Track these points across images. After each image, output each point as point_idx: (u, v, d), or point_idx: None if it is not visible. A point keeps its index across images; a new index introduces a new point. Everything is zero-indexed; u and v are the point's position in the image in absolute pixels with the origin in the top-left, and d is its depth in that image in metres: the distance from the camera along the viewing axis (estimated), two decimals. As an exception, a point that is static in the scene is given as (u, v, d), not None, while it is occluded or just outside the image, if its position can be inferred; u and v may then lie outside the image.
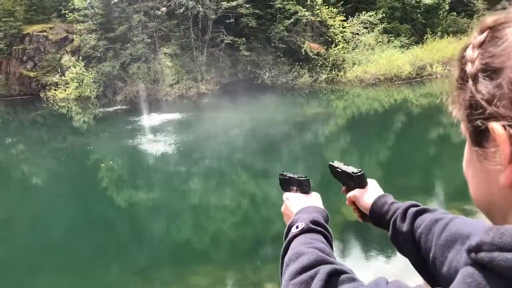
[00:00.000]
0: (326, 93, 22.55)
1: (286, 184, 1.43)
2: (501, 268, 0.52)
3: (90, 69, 24.58)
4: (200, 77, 24.22)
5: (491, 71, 0.58)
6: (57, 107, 23.19)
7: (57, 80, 24.70)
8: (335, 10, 26.08)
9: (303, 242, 1.04)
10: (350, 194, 1.41)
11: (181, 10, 23.89)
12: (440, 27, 26.97)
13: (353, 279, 0.85)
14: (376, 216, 1.32)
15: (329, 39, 25.80)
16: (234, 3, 23.45)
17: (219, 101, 21.57)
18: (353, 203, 1.42)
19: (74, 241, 8.13)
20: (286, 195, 1.40)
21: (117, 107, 21.96)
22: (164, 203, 9.90)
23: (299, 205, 1.30)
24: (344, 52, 24.99)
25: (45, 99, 24.34)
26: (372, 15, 25.91)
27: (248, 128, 16.09)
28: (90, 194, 10.85)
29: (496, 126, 0.56)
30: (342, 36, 25.67)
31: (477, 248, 0.56)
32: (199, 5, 23.70)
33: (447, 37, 25.59)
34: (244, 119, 17.59)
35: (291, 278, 0.91)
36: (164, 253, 7.59)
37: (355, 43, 25.52)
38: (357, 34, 25.79)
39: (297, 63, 24.76)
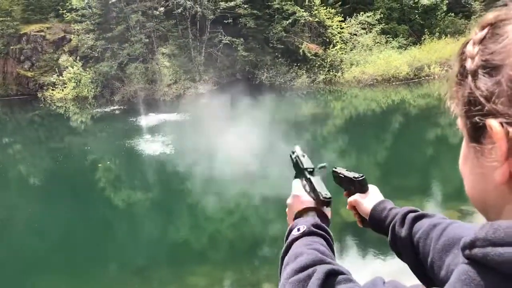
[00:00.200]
0: (324, 94, 22.57)
1: (298, 173, 1.41)
2: (495, 262, 0.52)
3: (87, 69, 24.53)
4: (198, 77, 24.21)
5: (490, 68, 0.58)
6: (55, 107, 23.14)
7: (54, 80, 24.64)
8: (333, 10, 26.10)
9: (304, 244, 1.04)
10: (351, 198, 1.42)
11: (179, 10, 23.87)
12: (438, 28, 27.02)
13: (350, 280, 0.85)
14: (375, 221, 1.32)
15: (327, 40, 25.82)
16: (232, 4, 23.45)
17: (217, 101, 21.55)
18: (354, 208, 1.43)
19: (72, 241, 8.12)
20: (293, 184, 1.38)
21: (115, 107, 21.93)
22: (162, 203, 9.89)
23: (302, 204, 1.28)
24: (342, 53, 25.01)
25: (43, 99, 24.28)
26: (370, 15, 25.94)
27: (246, 129, 16.07)
28: (88, 195, 10.83)
29: (493, 123, 0.56)
30: (340, 37, 25.69)
31: (471, 245, 0.57)
32: (197, 5, 23.69)
33: (444, 38, 25.64)
34: (242, 119, 17.58)
35: (288, 277, 0.91)
36: (162, 253, 7.59)
37: (353, 43, 25.54)
38: (355, 34, 25.82)
39: (295, 64, 24.77)
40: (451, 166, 10.91)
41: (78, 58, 25.00)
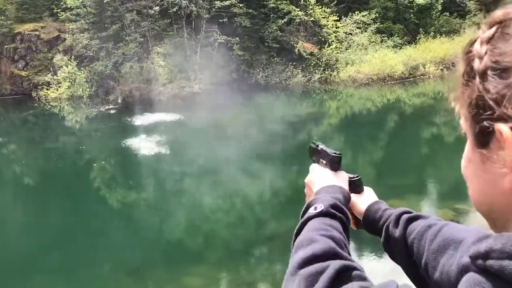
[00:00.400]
0: (319, 93, 22.60)
1: (316, 155, 1.37)
2: None
3: (82, 68, 24.43)
4: (194, 77, 24.16)
5: (501, 70, 0.55)
6: (49, 106, 23.04)
7: (49, 80, 24.51)
8: (328, 10, 26.10)
9: (318, 228, 1.00)
10: None
11: (174, 9, 23.82)
12: (433, 27, 27.11)
13: (363, 278, 0.83)
14: (369, 222, 1.30)
15: (323, 39, 25.84)
16: (227, 3, 23.41)
17: (212, 100, 21.52)
18: (348, 209, 1.41)
19: (67, 242, 8.08)
20: (313, 166, 1.34)
21: (110, 107, 21.86)
22: (157, 203, 9.87)
23: (324, 182, 1.24)
24: (337, 52, 25.03)
25: (37, 99, 24.15)
26: (365, 15, 25.98)
27: (242, 128, 16.07)
28: (83, 194, 10.79)
29: (503, 128, 0.54)
30: (335, 36, 25.71)
31: (486, 255, 0.54)
32: (192, 4, 23.64)
33: (439, 37, 25.74)
34: (238, 118, 17.58)
35: (300, 266, 0.88)
36: (158, 253, 7.57)
37: (348, 43, 25.57)
38: (350, 34, 25.85)
39: (291, 63, 24.78)
40: (446, 165, 10.95)
41: (72, 57, 24.89)
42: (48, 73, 24.79)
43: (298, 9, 25.07)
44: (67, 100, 23.74)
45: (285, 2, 24.97)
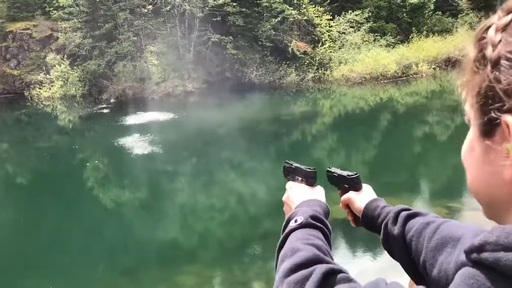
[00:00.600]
0: (313, 92, 22.62)
1: (291, 173, 1.40)
2: (507, 268, 0.50)
3: (75, 67, 24.28)
4: (187, 76, 24.11)
5: None
6: (42, 106, 22.90)
7: (41, 79, 24.35)
8: (321, 9, 26.14)
9: (300, 238, 1.02)
10: (345, 196, 1.41)
11: (167, 8, 23.75)
12: (426, 26, 27.23)
13: (349, 279, 0.84)
14: (368, 219, 1.32)
15: (316, 38, 25.87)
16: (220, 1, 23.36)
17: (206, 99, 21.49)
18: (347, 206, 1.42)
19: (59, 241, 8.05)
20: (290, 184, 1.37)
21: (103, 106, 21.76)
22: (151, 203, 9.84)
23: (302, 197, 1.27)
24: (331, 51, 25.08)
25: (30, 98, 23.98)
26: (359, 14, 26.04)
27: (235, 127, 16.06)
28: (76, 194, 10.74)
29: (511, 120, 0.53)
30: (328, 35, 25.75)
31: (480, 248, 0.54)
32: (185, 3, 23.57)
33: (432, 36, 25.86)
34: (231, 117, 17.56)
35: (285, 275, 0.89)
36: (151, 253, 7.55)
37: (341, 42, 25.62)
38: (344, 33, 25.90)
39: (284, 62, 24.79)
40: (439, 164, 11.02)
41: (65, 56, 24.74)
42: (41, 72, 24.62)
43: (292, 8, 25.08)
44: (60, 99, 23.60)
45: (278, 1, 24.97)
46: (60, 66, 24.05)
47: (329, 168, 1.49)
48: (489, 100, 0.56)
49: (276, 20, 24.80)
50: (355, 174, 1.41)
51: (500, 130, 0.56)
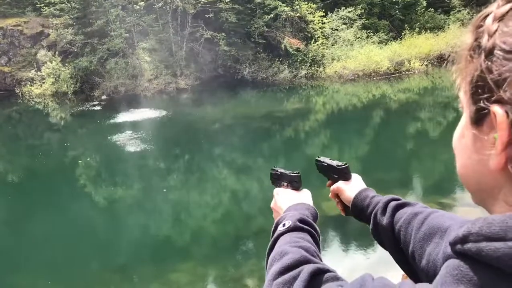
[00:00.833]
0: (305, 89, 22.64)
1: (277, 180, 1.41)
2: (490, 258, 0.51)
3: (67, 64, 24.12)
4: (179, 72, 24.04)
5: (507, 51, 0.53)
6: (33, 103, 22.74)
7: (33, 76, 24.18)
8: (314, 5, 26.14)
9: (288, 241, 1.02)
10: (334, 186, 1.42)
11: (160, 5, 23.64)
12: (418, 23, 27.33)
13: (337, 278, 0.84)
14: (357, 209, 1.32)
15: (309, 35, 25.87)
16: (213, -2, 23.32)
17: (198, 96, 21.45)
18: (337, 195, 1.43)
19: (51, 239, 8.00)
20: (276, 190, 1.38)
21: (95, 103, 21.65)
22: (143, 200, 9.81)
23: (289, 202, 1.28)
24: (324, 48, 25.10)
25: (21, 95, 23.82)
26: (351, 11, 26.08)
27: (228, 124, 16.05)
28: (68, 191, 10.69)
29: (498, 111, 0.53)
30: (321, 32, 25.77)
31: (463, 239, 0.55)
32: (177, 0, 23.49)
33: (424, 33, 25.97)
34: (224, 114, 17.54)
35: (274, 278, 0.90)
36: (144, 250, 7.53)
37: (334, 38, 25.64)
38: (336, 30, 25.92)
39: (277, 59, 24.78)
40: (431, 160, 11.07)
41: (57, 53, 24.56)
42: (32, 69, 24.44)
43: (285, 5, 25.06)
44: (51, 96, 23.45)
45: (271, -3, 24.95)
46: (51, 63, 23.87)
47: (318, 157, 1.50)
48: (479, 90, 0.56)
49: (269, 17, 24.77)
50: (344, 165, 1.42)
51: (488, 120, 0.56)
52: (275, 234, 1.09)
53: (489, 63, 0.55)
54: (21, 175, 12.42)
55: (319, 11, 26.12)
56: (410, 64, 23.23)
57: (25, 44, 25.99)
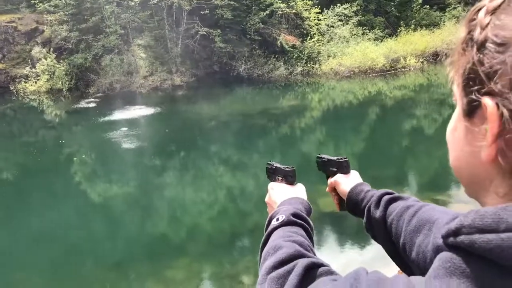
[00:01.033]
0: (301, 86, 22.64)
1: (272, 174, 1.42)
2: (483, 250, 0.51)
3: (61, 61, 24.00)
4: (175, 69, 23.99)
5: (498, 44, 0.54)
6: (28, 100, 22.63)
7: (27, 72, 24.05)
8: (310, 2, 26.14)
9: (282, 235, 1.03)
10: (332, 179, 1.44)
11: (155, 1, 23.54)
12: (414, 20, 27.38)
13: (331, 272, 0.85)
14: (352, 203, 1.33)
15: (305, 32, 25.86)
16: (208, -6, 23.25)
17: (194, 93, 21.41)
18: (334, 189, 1.44)
19: (47, 236, 7.98)
20: (271, 185, 1.39)
21: (90, 100, 21.57)
22: (139, 197, 9.80)
23: (283, 196, 1.29)
24: (319, 45, 25.10)
25: (15, 92, 23.69)
26: (347, 7, 26.08)
27: (224, 121, 16.04)
28: (63, 188, 10.66)
29: (489, 103, 0.54)
30: (317, 29, 25.77)
31: (456, 232, 0.55)
32: (173, -4, 23.42)
33: (420, 30, 26.02)
34: (220, 111, 17.52)
35: (268, 272, 0.90)
36: (139, 247, 7.52)
37: (330, 35, 25.65)
38: (332, 26, 25.93)
39: (273, 56, 24.76)
40: (426, 157, 11.10)
41: (51, 49, 24.45)
42: (26, 66, 24.32)
43: (280, 1, 25.03)
44: (46, 93, 23.35)
45: (267, -6, 24.91)
46: (46, 60, 23.76)
47: (319, 155, 1.53)
48: (470, 82, 0.57)
49: (265, 13, 24.74)
50: (344, 158, 1.44)
51: (480, 112, 0.57)
52: (269, 229, 1.10)
53: (481, 55, 0.55)
54: (16, 172, 12.37)
55: (315, 7, 26.11)
56: (405, 61, 23.26)
57: (20, 41, 25.84)
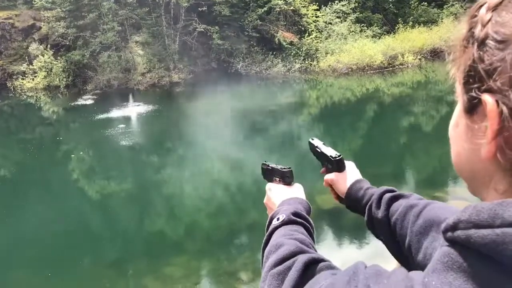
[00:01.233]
0: (299, 83, 22.63)
1: (269, 175, 1.41)
2: (478, 244, 0.51)
3: (59, 57, 23.92)
4: (173, 66, 23.94)
5: (499, 41, 0.54)
6: (25, 96, 22.57)
7: (24, 69, 23.97)
8: (308, -1, 26.12)
9: (283, 234, 1.03)
10: (328, 177, 1.42)
11: (153, -2, 23.51)
12: (411, 17, 27.36)
13: (331, 267, 0.85)
14: (351, 201, 1.33)
15: (302, 28, 25.84)
16: (206, -9, 23.19)
17: (192, 90, 21.38)
18: (330, 185, 1.43)
19: (44, 234, 7.97)
20: (269, 186, 1.39)
21: (88, 97, 21.51)
22: (137, 194, 9.79)
23: (282, 197, 1.29)
24: (317, 42, 25.08)
25: (12, 89, 23.62)
26: (345, 4, 26.04)
27: (222, 118, 16.02)
28: (61, 185, 10.64)
29: (489, 100, 0.54)
30: (315, 26, 25.74)
31: (454, 227, 0.55)
32: (171, -7, 23.35)
33: (418, 27, 26.00)
34: (218, 108, 17.51)
35: (269, 269, 0.91)
36: (138, 244, 7.52)
37: (328, 32, 25.62)
38: (330, 23, 25.90)
39: (271, 52, 24.73)
40: (424, 154, 11.12)
41: (48, 46, 24.35)
42: (24, 63, 24.23)
43: (278, -2, 24.99)
44: (43, 90, 23.28)
45: (264, -10, 24.86)
46: (43, 57, 23.68)
47: (312, 139, 1.50)
48: (471, 79, 0.57)
49: (263, 10, 24.69)
50: (338, 156, 1.41)
51: (480, 109, 0.57)
52: (270, 228, 1.10)
53: (481, 52, 0.56)
54: (13, 169, 12.35)
55: (313, 4, 26.07)
56: (403, 58, 23.26)
57: (17, 37, 25.73)
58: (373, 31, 25.82)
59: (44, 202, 9.49)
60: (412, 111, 15.45)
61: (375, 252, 5.73)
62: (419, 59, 23.54)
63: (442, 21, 26.27)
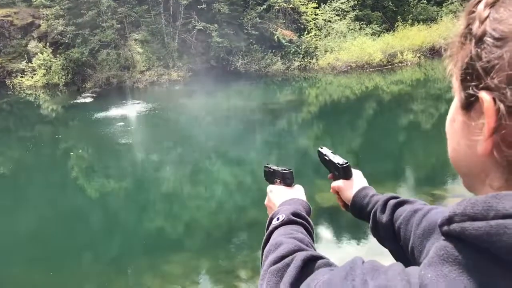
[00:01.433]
0: (298, 81, 22.62)
1: (271, 177, 1.43)
2: (473, 237, 0.52)
3: (58, 55, 23.89)
4: (172, 64, 23.91)
5: (497, 39, 0.54)
6: (24, 94, 22.53)
7: (23, 67, 23.94)
8: (307, -3, 26.09)
9: (283, 233, 1.05)
10: (334, 184, 1.43)
11: (152, -5, 23.46)
12: (411, 15, 27.35)
13: (329, 264, 0.86)
14: (357, 207, 1.34)
15: (302, 26, 25.81)
16: (205, -11, 23.15)
17: (191, 88, 21.36)
18: (337, 192, 1.44)
19: (44, 232, 7.98)
20: (270, 187, 1.40)
21: (87, 95, 21.49)
22: (136, 192, 9.79)
23: (282, 198, 1.30)
24: (317, 40, 25.06)
25: (11, 87, 23.58)
26: (344, 2, 26.02)
27: (221, 116, 16.02)
28: (60, 184, 10.64)
29: (486, 97, 0.54)
30: (314, 23, 25.72)
31: (449, 220, 0.56)
32: (170, -10, 23.31)
33: (417, 25, 26.00)
34: (217, 106, 17.50)
35: (269, 267, 0.92)
36: (137, 242, 7.53)
37: (327, 30, 25.60)
38: (329, 21, 25.88)
39: (270, 50, 24.71)
40: (423, 152, 11.13)
41: (47, 44, 24.31)
42: (23, 61, 24.20)
43: (277, -4, 24.96)
44: (42, 88, 23.25)
45: (264, -12, 24.83)
46: (42, 54, 23.65)
47: (321, 148, 1.50)
48: (468, 76, 0.57)
49: (262, 8, 24.67)
50: (345, 163, 1.42)
51: (477, 106, 0.57)
52: (270, 228, 1.12)
53: (479, 49, 0.55)
54: (12, 167, 12.34)
55: (312, 2, 26.05)
56: (402, 56, 23.26)
57: (16, 35, 25.69)
58: (372, 29, 25.81)
59: (43, 200, 9.49)
60: (411, 109, 15.45)
61: (373, 252, 5.74)
62: (418, 57, 23.55)
63: (441, 19, 26.26)
